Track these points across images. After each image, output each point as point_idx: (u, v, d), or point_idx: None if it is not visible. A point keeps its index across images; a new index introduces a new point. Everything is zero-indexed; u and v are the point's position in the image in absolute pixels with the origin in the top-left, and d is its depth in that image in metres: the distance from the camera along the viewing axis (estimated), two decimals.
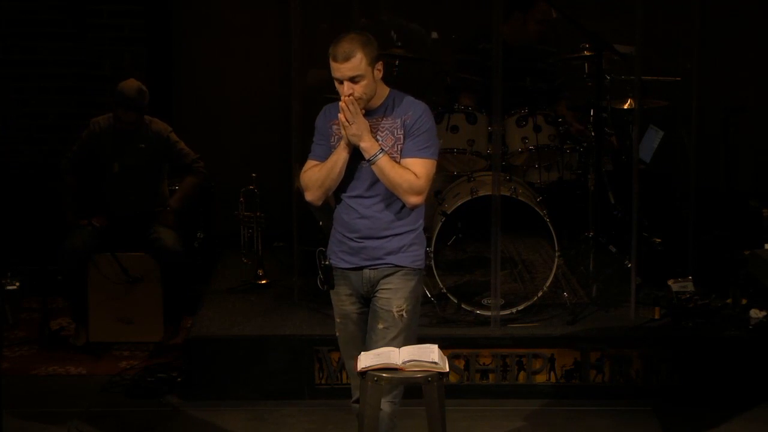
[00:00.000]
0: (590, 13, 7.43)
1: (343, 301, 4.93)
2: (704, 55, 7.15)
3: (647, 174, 6.98)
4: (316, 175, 4.79)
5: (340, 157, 4.74)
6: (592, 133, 6.81)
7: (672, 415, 6.09)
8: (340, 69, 4.70)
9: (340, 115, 4.68)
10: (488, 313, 6.36)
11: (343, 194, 4.84)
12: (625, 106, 7.07)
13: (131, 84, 6.91)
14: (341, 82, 4.73)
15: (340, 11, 6.87)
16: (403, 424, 5.78)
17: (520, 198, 6.41)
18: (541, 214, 6.42)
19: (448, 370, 4.54)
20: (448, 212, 6.45)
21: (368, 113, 4.78)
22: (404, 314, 4.86)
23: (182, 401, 6.25)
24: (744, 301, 6.57)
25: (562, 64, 7.29)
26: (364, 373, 4.51)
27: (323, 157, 4.81)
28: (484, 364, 6.27)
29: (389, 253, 4.84)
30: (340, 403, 6.14)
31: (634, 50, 6.46)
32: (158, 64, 8.06)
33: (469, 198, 6.44)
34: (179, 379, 6.39)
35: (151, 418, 6.08)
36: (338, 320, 4.97)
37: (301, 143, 7.06)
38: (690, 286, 6.47)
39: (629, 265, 6.47)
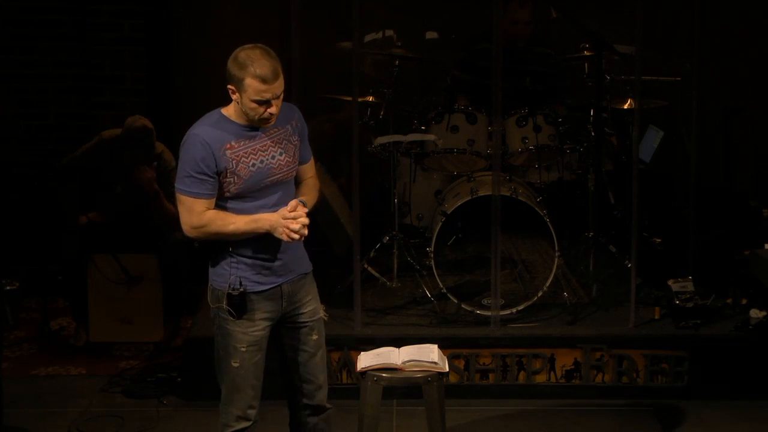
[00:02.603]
0: (590, 13, 7.43)
1: (256, 326, 4.62)
2: (704, 55, 7.15)
3: (647, 174, 6.98)
4: (218, 229, 4.49)
5: (251, 232, 4.49)
6: (593, 133, 6.81)
7: (672, 415, 6.09)
8: (271, 89, 4.45)
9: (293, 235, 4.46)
10: (488, 313, 6.36)
11: (251, 214, 4.57)
12: (625, 106, 7.07)
13: (138, 124, 6.87)
14: (268, 103, 4.47)
15: (340, 11, 6.86)
16: (403, 424, 5.80)
17: (520, 198, 6.41)
18: (541, 214, 6.42)
19: (448, 370, 4.55)
20: (448, 212, 6.45)
21: (256, 129, 4.55)
22: (326, 317, 4.80)
23: (182, 401, 6.26)
24: (744, 301, 6.58)
25: (565, 66, 7.29)
26: (364, 373, 4.51)
27: (213, 194, 4.49)
28: (484, 364, 6.27)
29: (296, 262, 4.70)
30: (340, 403, 6.13)
31: (634, 50, 6.46)
32: (158, 64, 8.06)
33: (469, 198, 6.44)
34: (179, 379, 6.40)
35: (151, 418, 6.08)
36: (243, 349, 4.62)
37: None
38: (690, 286, 6.47)
39: (629, 265, 6.47)
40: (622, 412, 6.13)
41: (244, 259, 4.58)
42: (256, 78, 4.42)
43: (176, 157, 6.93)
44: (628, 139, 7.06)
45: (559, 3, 7.07)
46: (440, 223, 6.46)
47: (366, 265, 6.68)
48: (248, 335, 4.62)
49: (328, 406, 4.84)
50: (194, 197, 4.48)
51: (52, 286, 7.19)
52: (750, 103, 7.65)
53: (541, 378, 6.29)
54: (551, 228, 6.40)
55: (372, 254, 6.75)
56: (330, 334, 6.27)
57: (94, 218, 6.98)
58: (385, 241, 6.79)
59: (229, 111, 4.59)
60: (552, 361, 6.27)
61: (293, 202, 4.52)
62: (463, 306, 6.45)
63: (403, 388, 5.17)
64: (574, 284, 6.84)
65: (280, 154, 4.59)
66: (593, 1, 7.58)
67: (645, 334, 6.34)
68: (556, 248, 6.44)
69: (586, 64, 7.07)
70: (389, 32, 7.65)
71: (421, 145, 6.90)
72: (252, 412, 4.70)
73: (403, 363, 4.57)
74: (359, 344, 6.08)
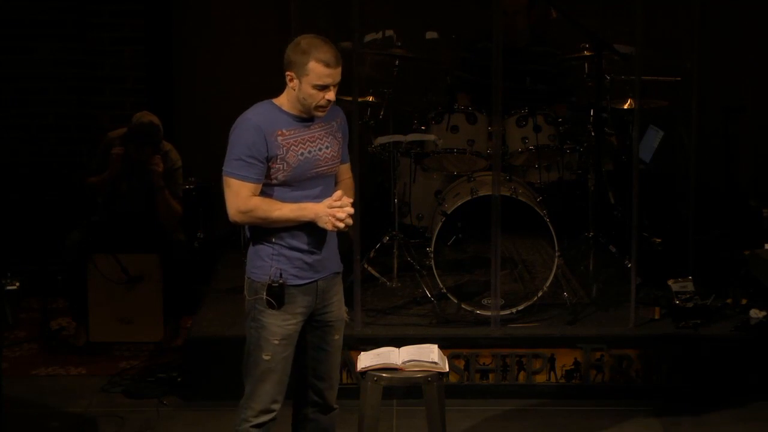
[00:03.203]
0: (590, 13, 7.43)
1: (291, 320, 4.65)
2: (704, 55, 7.15)
3: (647, 174, 6.98)
4: (263, 214, 4.53)
5: (295, 219, 4.55)
6: (593, 133, 6.81)
7: (672, 415, 6.09)
8: (333, 74, 4.53)
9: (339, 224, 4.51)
10: (488, 313, 6.36)
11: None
12: (625, 106, 7.08)
13: (145, 120, 6.87)
14: (327, 89, 4.55)
15: (340, 11, 6.86)
16: (403, 424, 5.79)
17: (520, 198, 6.41)
18: (541, 214, 6.42)
19: (448, 370, 4.55)
20: (448, 212, 6.45)
21: (306, 120, 4.63)
22: (347, 319, 4.85)
23: (182, 401, 6.26)
24: (744, 301, 6.57)
25: (567, 66, 7.29)
26: (364, 373, 4.51)
27: (260, 180, 4.55)
28: (484, 364, 6.27)
29: (331, 260, 4.75)
30: (340, 403, 6.13)
31: (634, 50, 6.46)
32: (158, 64, 8.06)
33: (469, 198, 6.44)
34: (179, 379, 6.39)
35: (151, 418, 6.08)
36: (276, 342, 4.64)
37: None
38: (690, 286, 6.47)
39: (629, 265, 6.47)
40: (622, 412, 6.12)
41: (285, 252, 4.62)
42: (320, 62, 4.51)
43: (181, 155, 7.01)
44: (628, 139, 7.06)
45: (559, 3, 7.07)
46: (440, 223, 6.46)
47: (366, 265, 6.68)
48: (283, 328, 4.65)
49: (335, 406, 4.87)
50: (242, 180, 4.53)
51: (52, 286, 7.19)
52: (750, 103, 7.65)
53: (541, 378, 6.29)
54: (551, 228, 6.40)
55: (372, 254, 6.75)
56: None
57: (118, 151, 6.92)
58: (385, 241, 6.79)
59: (280, 101, 4.68)
60: (552, 361, 6.27)
61: (338, 192, 4.59)
62: (463, 306, 6.45)
63: (403, 388, 5.17)
64: (574, 284, 6.84)
65: (327, 147, 4.66)
66: (593, 1, 7.58)
67: (645, 334, 6.34)
68: (556, 248, 6.44)
69: (586, 64, 7.07)
70: (389, 32, 7.65)
71: (421, 145, 6.90)
72: (275, 407, 4.73)
73: (403, 363, 4.57)
74: (359, 344, 6.08)
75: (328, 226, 4.53)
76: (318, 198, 4.61)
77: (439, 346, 4.81)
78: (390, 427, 5.83)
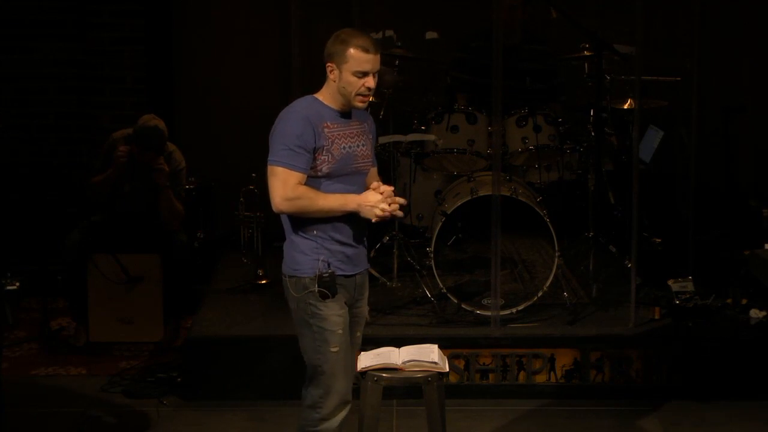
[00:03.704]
0: (590, 13, 7.43)
1: (344, 309, 4.73)
2: (704, 55, 7.16)
3: (647, 174, 6.98)
4: (308, 202, 4.58)
5: (339, 209, 4.61)
6: (593, 133, 6.81)
7: (672, 415, 6.09)
8: (372, 60, 4.63)
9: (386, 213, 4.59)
10: (488, 313, 6.36)
11: None
12: (625, 106, 7.08)
13: (151, 123, 6.85)
14: (365, 75, 4.64)
15: (340, 11, 6.86)
16: (403, 424, 5.79)
17: (520, 198, 6.41)
18: (541, 214, 6.42)
19: (448, 370, 4.55)
20: (448, 212, 6.45)
21: (346, 116, 4.71)
22: (368, 318, 4.89)
23: (182, 401, 6.25)
24: (744, 301, 6.58)
25: (560, 64, 7.29)
26: (364, 373, 4.51)
27: (306, 169, 4.62)
28: (484, 364, 6.27)
29: (365, 256, 4.83)
30: None
31: (634, 50, 6.46)
32: (158, 64, 8.06)
33: (469, 198, 6.44)
34: (179, 379, 6.39)
35: (151, 418, 6.08)
36: (340, 332, 4.70)
37: None
38: (690, 286, 6.47)
39: (629, 265, 6.47)
40: (622, 412, 6.12)
41: (327, 245, 4.68)
42: (359, 48, 4.60)
43: (185, 157, 7.00)
44: (628, 139, 7.06)
45: (559, 3, 7.07)
46: (440, 223, 6.46)
47: None
48: (341, 317, 4.70)
49: (350, 399, 4.86)
50: (289, 169, 4.57)
51: (52, 286, 7.19)
52: (750, 103, 7.65)
53: (541, 378, 6.29)
54: (551, 228, 6.40)
55: (372, 254, 6.75)
56: None
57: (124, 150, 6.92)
58: (385, 241, 6.79)
59: (322, 95, 4.73)
60: (552, 361, 6.27)
61: (375, 183, 4.68)
62: (463, 306, 6.45)
63: (403, 388, 5.17)
64: (574, 284, 6.84)
65: (363, 145, 4.75)
66: (593, 1, 7.59)
67: (645, 334, 6.33)
68: (556, 248, 6.44)
69: (586, 64, 7.07)
70: (389, 32, 7.65)
71: (421, 145, 6.90)
72: (350, 397, 4.74)
73: (403, 363, 4.57)
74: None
75: (371, 215, 4.60)
76: (349, 193, 4.69)
77: (439, 346, 4.81)
78: (390, 427, 5.83)
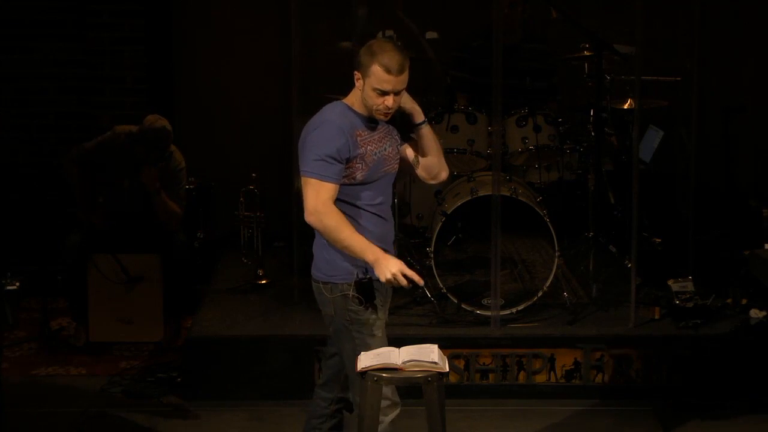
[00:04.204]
0: (590, 13, 7.43)
1: (381, 313, 4.72)
2: (704, 55, 7.16)
3: (647, 174, 6.98)
4: (332, 225, 4.55)
5: (358, 252, 4.56)
6: (593, 133, 6.81)
7: (672, 415, 6.09)
8: (392, 82, 4.56)
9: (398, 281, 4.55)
10: (488, 313, 6.36)
11: (367, 204, 4.70)
12: (625, 106, 7.08)
13: (158, 125, 6.84)
14: (386, 94, 4.59)
15: (340, 11, 6.86)
16: (403, 424, 5.78)
17: (520, 198, 6.41)
18: (541, 214, 6.42)
19: (448, 370, 4.54)
20: (448, 212, 6.45)
21: (373, 121, 4.70)
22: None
23: (182, 401, 6.26)
24: (744, 301, 6.58)
25: (558, 64, 7.29)
26: (364, 373, 4.51)
27: (339, 180, 4.59)
28: (484, 364, 6.27)
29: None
30: None
31: (634, 50, 6.46)
32: (158, 64, 8.06)
33: (469, 198, 6.44)
34: (179, 379, 6.39)
35: (151, 418, 6.08)
36: (380, 335, 4.72)
37: None
38: (690, 286, 6.47)
39: (629, 265, 6.47)
40: (622, 412, 6.12)
41: None
42: (381, 66, 4.55)
43: (185, 157, 7.00)
44: (628, 139, 7.06)
45: (559, 3, 7.07)
46: (440, 223, 6.46)
47: None
48: (380, 320, 4.72)
49: (398, 400, 4.88)
50: (322, 180, 4.56)
51: (52, 286, 7.19)
52: (750, 103, 7.65)
53: (541, 378, 6.29)
54: (551, 228, 6.40)
55: None
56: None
57: (98, 220, 6.96)
58: None
59: (351, 101, 4.71)
60: (552, 361, 6.27)
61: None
62: (463, 306, 6.45)
63: (403, 388, 5.16)
64: (574, 284, 6.84)
65: (390, 146, 4.76)
66: (593, 1, 7.59)
67: (645, 334, 6.34)
68: (556, 248, 6.44)
69: (586, 64, 7.07)
70: (389, 32, 7.64)
71: None
72: (397, 396, 4.76)
73: (403, 363, 4.56)
74: None
75: (383, 276, 4.55)
76: (382, 203, 4.71)
77: (439, 346, 4.81)
78: None
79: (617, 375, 6.28)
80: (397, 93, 4.60)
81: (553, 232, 6.40)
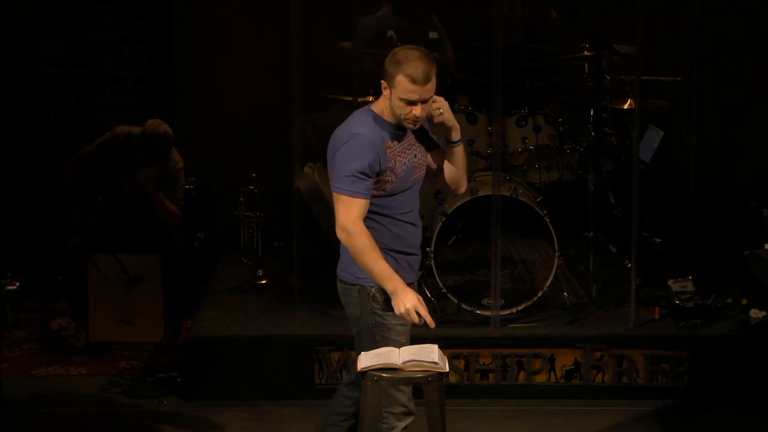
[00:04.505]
0: (590, 13, 7.43)
1: (404, 319, 4.67)
2: (704, 55, 7.15)
3: (647, 174, 6.98)
4: (359, 245, 4.53)
5: (378, 278, 4.55)
6: (593, 133, 6.81)
7: (672, 415, 6.09)
8: (418, 91, 4.50)
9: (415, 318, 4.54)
10: (488, 313, 6.36)
11: (399, 213, 4.70)
12: (625, 106, 7.08)
13: (160, 129, 6.83)
14: (413, 104, 4.53)
15: (340, 11, 6.86)
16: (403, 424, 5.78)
17: (520, 198, 6.41)
18: (541, 214, 6.42)
19: (448, 370, 4.54)
20: (448, 212, 6.45)
21: (402, 128, 4.65)
22: None
23: (182, 401, 6.26)
24: (744, 301, 6.57)
25: (561, 64, 7.29)
26: (364, 373, 4.51)
27: (368, 195, 4.57)
28: (484, 364, 6.27)
29: (419, 261, 4.86)
30: None
31: (634, 50, 6.46)
32: (158, 64, 8.06)
33: (469, 198, 6.44)
34: (179, 379, 6.39)
35: (151, 418, 6.08)
36: (403, 341, 4.72)
37: (301, 143, 7.08)
38: (690, 286, 6.47)
39: (629, 265, 6.47)
40: (622, 412, 6.12)
41: (394, 254, 4.69)
42: (407, 77, 4.49)
43: (181, 155, 6.99)
44: (628, 139, 7.06)
45: (559, 3, 7.07)
46: (440, 223, 6.46)
47: None
48: (404, 326, 4.71)
49: (413, 409, 4.88)
50: (352, 196, 4.54)
51: (52, 286, 7.19)
52: (750, 103, 7.65)
53: (541, 378, 6.29)
54: (551, 228, 6.40)
55: None
56: (330, 334, 6.29)
57: (96, 224, 6.96)
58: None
59: (379, 108, 4.65)
60: (552, 361, 6.27)
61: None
62: (463, 306, 6.45)
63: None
64: (574, 284, 6.84)
65: (420, 152, 4.73)
66: (593, 1, 7.59)
67: (645, 334, 6.34)
68: (556, 248, 6.44)
69: (586, 64, 7.07)
70: (390, 32, 7.64)
71: None
72: (413, 405, 4.76)
73: (403, 363, 4.56)
74: None
75: (397, 308, 4.55)
76: (411, 210, 4.72)
77: (439, 346, 4.81)
78: None
79: (617, 375, 6.28)
80: (424, 101, 4.54)
81: (553, 232, 6.40)
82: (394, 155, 4.61)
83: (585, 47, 6.99)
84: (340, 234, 4.60)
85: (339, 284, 4.79)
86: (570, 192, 7.07)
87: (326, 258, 7.16)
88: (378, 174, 4.57)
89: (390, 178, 4.61)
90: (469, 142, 6.78)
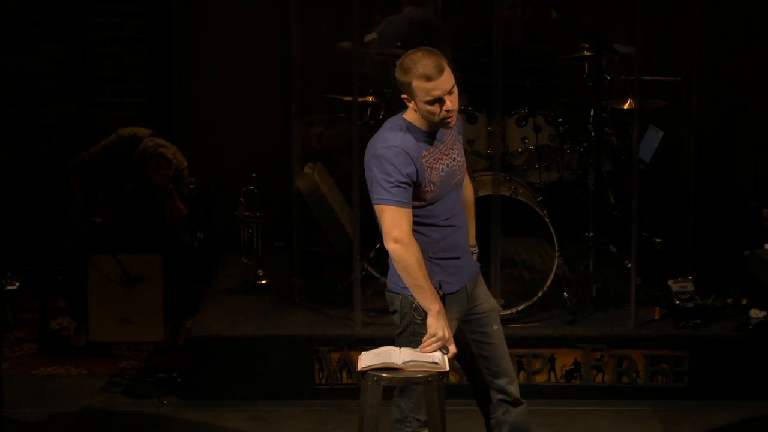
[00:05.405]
0: (590, 13, 7.43)
1: (452, 329, 4.64)
2: (704, 55, 7.15)
3: (647, 174, 6.98)
4: (408, 263, 4.46)
5: (420, 300, 4.52)
6: (593, 133, 6.81)
7: (672, 415, 6.09)
8: (439, 84, 4.40)
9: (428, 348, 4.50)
10: None
11: (441, 220, 4.60)
12: (625, 106, 7.07)
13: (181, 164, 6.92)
14: (441, 101, 4.43)
15: (340, 11, 6.86)
16: None
17: (520, 198, 6.41)
18: (541, 214, 6.42)
19: (448, 369, 4.54)
20: None
21: (439, 133, 4.56)
22: (500, 304, 4.83)
23: (182, 401, 6.26)
24: (744, 301, 6.57)
25: (561, 64, 7.29)
26: (364, 373, 4.51)
27: (411, 204, 4.48)
28: None
29: (472, 261, 4.79)
30: (340, 403, 6.14)
31: (634, 50, 6.46)
32: (158, 64, 8.06)
33: None
34: (179, 379, 6.40)
35: (151, 418, 6.08)
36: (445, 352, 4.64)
37: (301, 143, 7.09)
38: (690, 286, 6.47)
39: (629, 265, 6.47)
40: (622, 412, 6.12)
41: (440, 261, 4.61)
42: (420, 78, 4.40)
43: (185, 158, 7.00)
44: (628, 139, 7.06)
45: (559, 3, 7.07)
46: None
47: (366, 265, 6.68)
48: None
49: (522, 400, 4.87)
50: (399, 206, 4.46)
51: (52, 286, 7.19)
52: (750, 103, 7.65)
53: (541, 378, 6.29)
54: (551, 228, 6.40)
55: (372, 254, 6.74)
56: (330, 334, 6.30)
57: (97, 226, 6.96)
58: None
59: (411, 116, 4.55)
60: (552, 361, 6.27)
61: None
62: None
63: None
64: (574, 284, 6.84)
65: (458, 155, 4.64)
66: (593, 1, 7.58)
67: (645, 334, 6.34)
68: (556, 248, 6.44)
69: (586, 64, 7.06)
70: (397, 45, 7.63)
71: None
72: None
73: (404, 363, 4.56)
74: (359, 344, 6.08)
75: (431, 328, 4.51)
76: (452, 215, 4.62)
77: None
78: None
79: (617, 375, 6.28)
80: (449, 93, 4.45)
81: (553, 232, 6.40)
82: (430, 164, 4.51)
83: (585, 47, 6.98)
84: (391, 246, 4.48)
85: (385, 291, 4.76)
86: (570, 192, 7.07)
87: (326, 258, 7.18)
88: (416, 185, 4.49)
89: (429, 187, 4.52)
90: (469, 142, 6.78)
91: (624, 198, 6.81)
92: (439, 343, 4.52)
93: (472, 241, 4.90)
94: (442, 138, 4.59)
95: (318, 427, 6.00)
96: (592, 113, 6.83)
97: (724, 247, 6.96)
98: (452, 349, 4.56)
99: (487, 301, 4.82)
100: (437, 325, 4.51)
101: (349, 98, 6.47)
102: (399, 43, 7.36)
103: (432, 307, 4.52)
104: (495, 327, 4.78)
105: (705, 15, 7.20)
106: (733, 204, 7.23)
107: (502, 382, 4.86)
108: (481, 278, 4.85)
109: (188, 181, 7.12)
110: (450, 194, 4.62)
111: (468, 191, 4.89)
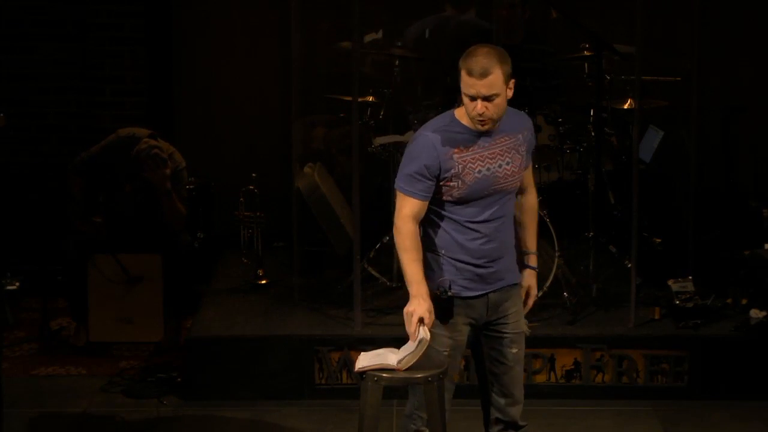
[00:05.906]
0: (590, 13, 7.43)
1: (460, 332, 4.61)
2: (704, 55, 7.15)
3: (647, 174, 6.98)
4: (398, 242, 4.47)
5: (407, 278, 4.49)
6: (593, 133, 6.81)
7: (672, 415, 6.09)
8: (475, 85, 4.38)
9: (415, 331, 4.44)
10: None
11: (468, 221, 4.52)
12: (625, 106, 7.07)
13: (182, 167, 6.91)
14: (473, 99, 4.41)
15: (340, 11, 6.87)
16: (403, 424, 5.78)
17: None
18: (541, 214, 6.41)
19: (428, 338, 4.54)
20: None
21: (487, 134, 4.50)
22: (528, 332, 4.80)
23: (182, 401, 6.25)
24: (744, 301, 6.57)
25: (561, 64, 7.29)
26: (364, 373, 4.51)
27: (426, 197, 4.47)
28: None
29: (507, 272, 4.66)
30: (340, 403, 6.14)
31: (634, 50, 6.46)
32: (158, 64, 8.06)
33: None
34: (179, 379, 6.40)
35: (151, 418, 6.08)
36: (445, 353, 4.60)
37: (300, 143, 7.09)
38: (690, 286, 6.47)
39: (629, 265, 6.47)
40: (622, 412, 6.12)
41: (455, 263, 4.56)
42: (464, 69, 4.42)
43: (181, 155, 7.00)
44: (628, 139, 7.06)
45: (559, 3, 7.07)
46: None
47: (366, 265, 6.68)
48: (450, 339, 4.62)
49: (522, 423, 4.84)
50: (407, 195, 4.48)
51: (52, 286, 7.19)
52: (750, 103, 7.65)
53: (541, 378, 6.29)
54: (551, 228, 6.40)
55: (372, 254, 6.75)
56: (330, 334, 6.30)
57: (97, 226, 6.96)
58: (385, 241, 6.79)
59: (460, 112, 4.56)
60: (552, 361, 6.27)
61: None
62: None
63: (403, 388, 5.16)
64: (574, 284, 6.84)
65: (507, 164, 4.54)
66: (593, 1, 7.58)
67: (645, 334, 6.33)
68: (556, 248, 6.44)
69: (586, 64, 7.06)
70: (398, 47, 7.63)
71: None
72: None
73: (398, 363, 4.56)
74: (359, 344, 6.08)
75: (406, 308, 4.49)
76: (489, 221, 4.54)
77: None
78: (390, 426, 5.82)
79: (617, 375, 6.28)
80: (486, 99, 4.41)
81: (553, 232, 6.40)
82: (464, 161, 4.45)
83: (585, 47, 6.98)
84: (394, 230, 4.53)
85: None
86: (570, 192, 7.07)
87: (326, 258, 7.18)
88: (440, 178, 4.46)
89: (456, 183, 4.46)
90: None
91: (624, 198, 6.81)
92: (413, 324, 4.44)
93: (531, 248, 4.80)
94: (493, 140, 4.53)
95: (318, 427, 6.00)
96: (592, 113, 6.83)
97: (724, 247, 6.96)
98: (424, 332, 4.45)
99: (515, 322, 4.73)
100: (408, 307, 4.45)
101: (349, 98, 6.47)
102: (399, 43, 7.37)
103: (410, 289, 4.49)
104: (515, 350, 4.74)
105: (705, 15, 7.19)
106: (733, 204, 7.23)
107: (503, 401, 4.84)
108: (516, 295, 4.73)
109: (188, 181, 7.12)
110: (486, 200, 4.52)
111: (530, 198, 4.79)
